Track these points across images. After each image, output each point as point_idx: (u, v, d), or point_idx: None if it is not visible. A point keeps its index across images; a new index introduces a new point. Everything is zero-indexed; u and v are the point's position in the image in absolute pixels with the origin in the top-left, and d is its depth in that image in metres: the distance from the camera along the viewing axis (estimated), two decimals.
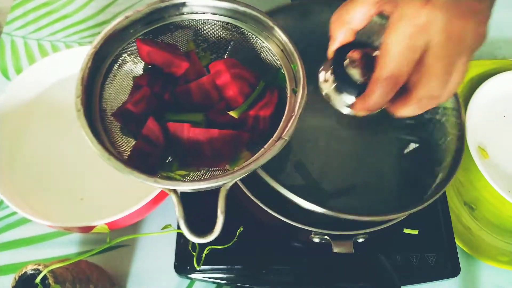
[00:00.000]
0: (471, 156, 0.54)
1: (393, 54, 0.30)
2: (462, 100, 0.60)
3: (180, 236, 0.48)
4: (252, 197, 0.41)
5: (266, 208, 0.40)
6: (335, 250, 0.39)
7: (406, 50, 0.30)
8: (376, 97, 0.32)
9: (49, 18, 0.67)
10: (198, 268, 0.45)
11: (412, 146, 0.43)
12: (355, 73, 0.34)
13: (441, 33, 0.29)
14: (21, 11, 0.68)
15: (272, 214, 0.40)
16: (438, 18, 0.29)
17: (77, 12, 0.68)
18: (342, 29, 0.34)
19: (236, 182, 0.40)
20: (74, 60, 0.52)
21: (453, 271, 0.48)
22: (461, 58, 0.30)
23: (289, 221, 0.40)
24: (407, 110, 0.32)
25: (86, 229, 0.43)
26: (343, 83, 0.35)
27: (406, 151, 0.43)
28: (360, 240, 0.40)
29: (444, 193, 0.51)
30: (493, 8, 0.32)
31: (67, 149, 0.50)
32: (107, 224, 0.41)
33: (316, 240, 0.40)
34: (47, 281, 0.36)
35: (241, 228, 0.46)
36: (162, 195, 0.44)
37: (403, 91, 0.32)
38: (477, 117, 0.58)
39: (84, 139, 0.32)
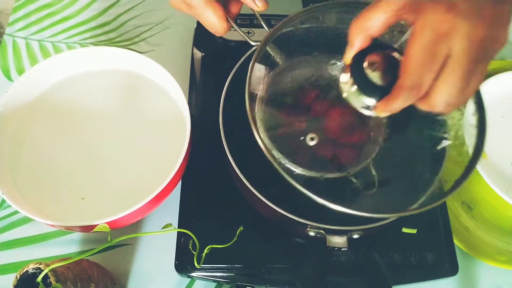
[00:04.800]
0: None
1: (416, 63, 0.30)
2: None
3: (180, 235, 0.48)
4: (252, 189, 0.41)
5: (264, 200, 0.40)
6: (329, 244, 0.40)
7: (429, 59, 0.30)
8: (400, 102, 0.32)
9: (50, 19, 0.68)
10: (198, 267, 0.45)
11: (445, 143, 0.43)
12: (375, 76, 0.35)
13: (464, 40, 0.29)
14: (23, 12, 0.68)
15: (270, 207, 0.40)
16: (461, 25, 0.29)
17: (78, 13, 0.69)
18: (361, 35, 0.34)
19: (237, 173, 0.41)
20: (76, 61, 0.53)
21: (451, 270, 0.48)
22: (481, 64, 0.30)
23: (286, 213, 0.40)
24: (422, 107, 0.32)
25: (87, 228, 0.43)
26: (363, 86, 0.35)
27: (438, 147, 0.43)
28: (355, 236, 0.40)
29: None
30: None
31: (69, 149, 0.51)
32: (108, 223, 0.41)
33: (311, 233, 0.41)
34: (48, 280, 0.36)
35: (241, 228, 0.47)
36: (162, 195, 0.45)
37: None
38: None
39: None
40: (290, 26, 0.47)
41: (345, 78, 0.37)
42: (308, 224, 0.40)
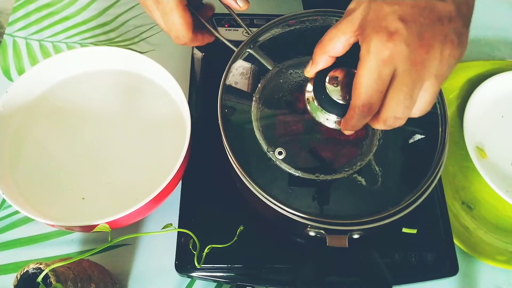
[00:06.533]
0: (469, 156, 0.54)
1: (365, 86, 0.32)
2: (460, 101, 0.61)
3: (180, 235, 0.48)
4: (252, 188, 0.41)
5: (264, 199, 0.41)
6: (329, 244, 0.40)
7: (375, 81, 0.32)
8: (355, 121, 0.34)
9: (50, 19, 0.68)
10: (198, 267, 0.45)
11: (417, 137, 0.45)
12: (335, 93, 0.37)
13: (405, 63, 0.32)
14: (23, 12, 0.68)
15: (271, 206, 0.40)
16: (401, 51, 0.31)
17: (78, 13, 0.69)
18: (324, 56, 0.37)
19: (237, 172, 0.41)
20: (76, 61, 0.53)
21: (451, 270, 0.48)
22: (426, 81, 0.33)
23: (286, 212, 0.40)
24: (377, 126, 0.35)
25: (88, 228, 0.43)
26: (323, 101, 0.37)
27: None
28: (355, 236, 0.40)
29: (443, 193, 0.52)
30: (468, 29, 0.34)
31: (69, 149, 0.51)
32: (108, 223, 0.41)
33: (312, 233, 0.41)
34: (48, 280, 0.36)
35: (241, 228, 0.47)
36: (163, 195, 0.45)
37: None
38: (475, 117, 0.58)
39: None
40: (270, 32, 0.48)
41: (308, 93, 0.39)
42: (308, 224, 0.40)
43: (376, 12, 0.33)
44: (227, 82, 0.46)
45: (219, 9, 0.50)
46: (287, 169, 0.43)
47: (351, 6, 0.35)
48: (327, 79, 0.37)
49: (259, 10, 0.67)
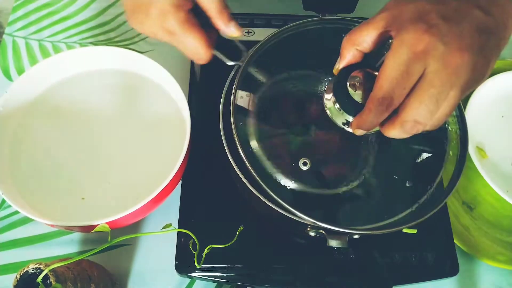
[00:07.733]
0: (470, 156, 0.54)
1: (389, 77, 0.31)
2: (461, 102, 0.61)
3: (180, 235, 0.48)
4: (252, 189, 0.41)
5: (264, 199, 0.40)
6: (330, 244, 0.39)
7: (401, 75, 0.30)
8: (371, 116, 0.32)
9: (50, 19, 0.68)
10: (198, 267, 0.45)
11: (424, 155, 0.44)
12: (356, 93, 0.36)
13: (437, 62, 0.30)
14: (23, 12, 0.68)
15: (271, 207, 0.40)
16: (436, 48, 0.30)
17: (78, 13, 0.69)
18: (352, 49, 0.35)
19: (237, 173, 0.41)
20: (76, 60, 0.53)
21: (452, 270, 0.48)
22: (453, 90, 0.30)
23: (286, 213, 0.40)
24: (392, 132, 0.33)
25: (87, 229, 0.43)
26: (343, 101, 0.36)
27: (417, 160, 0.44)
28: (356, 236, 0.40)
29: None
30: (504, 47, 0.33)
31: (69, 149, 0.51)
32: (108, 223, 0.41)
33: (312, 233, 0.41)
34: (48, 280, 0.36)
35: (241, 228, 0.47)
36: (163, 195, 0.45)
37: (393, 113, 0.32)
38: (476, 117, 0.58)
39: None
40: (269, 46, 0.47)
41: (329, 95, 0.38)
42: (308, 224, 0.40)
43: (417, 8, 0.31)
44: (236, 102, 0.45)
45: None
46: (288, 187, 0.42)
47: (388, 4, 0.33)
48: (349, 81, 0.36)
49: (259, 10, 0.67)
